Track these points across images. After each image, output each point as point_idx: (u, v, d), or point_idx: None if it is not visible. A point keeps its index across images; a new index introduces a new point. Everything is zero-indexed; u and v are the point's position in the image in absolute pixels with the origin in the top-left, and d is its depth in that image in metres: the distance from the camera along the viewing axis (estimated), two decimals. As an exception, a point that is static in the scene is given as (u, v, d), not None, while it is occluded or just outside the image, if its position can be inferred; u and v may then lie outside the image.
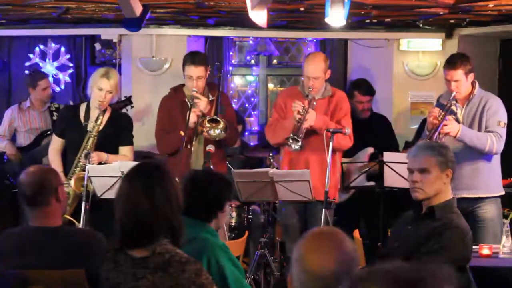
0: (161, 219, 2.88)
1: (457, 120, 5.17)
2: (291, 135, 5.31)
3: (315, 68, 5.50)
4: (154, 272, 2.84)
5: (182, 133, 5.46)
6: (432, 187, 3.68)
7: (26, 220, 3.48)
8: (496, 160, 5.25)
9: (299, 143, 5.29)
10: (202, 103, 5.56)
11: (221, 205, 3.47)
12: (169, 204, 2.90)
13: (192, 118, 5.48)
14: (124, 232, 2.90)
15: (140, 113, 7.16)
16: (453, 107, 5.19)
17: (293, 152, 5.44)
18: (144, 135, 6.97)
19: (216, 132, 5.46)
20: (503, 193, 5.31)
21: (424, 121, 5.82)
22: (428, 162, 3.69)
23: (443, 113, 5.10)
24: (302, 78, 5.67)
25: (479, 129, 5.16)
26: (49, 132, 6.90)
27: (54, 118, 6.98)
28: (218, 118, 5.45)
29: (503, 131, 5.15)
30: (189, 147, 5.59)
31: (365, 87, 6.80)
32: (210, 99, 5.65)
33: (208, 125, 5.46)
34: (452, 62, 5.18)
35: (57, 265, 3.32)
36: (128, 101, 6.81)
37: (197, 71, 5.61)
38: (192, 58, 5.70)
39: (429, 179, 3.68)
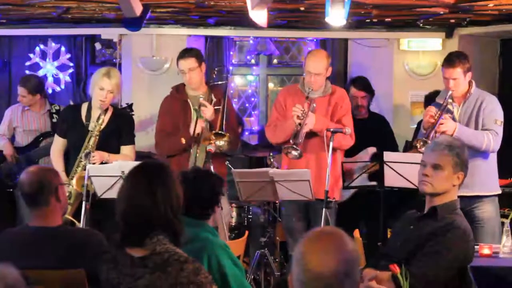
0: (162, 219, 2.89)
1: (453, 119, 5.17)
2: (290, 141, 5.31)
3: (318, 64, 5.49)
4: (153, 272, 2.84)
5: (183, 140, 5.46)
6: (441, 184, 3.68)
7: (23, 220, 3.49)
8: (493, 158, 5.25)
9: (298, 151, 5.29)
10: (209, 111, 5.53)
11: (217, 200, 3.55)
12: (170, 204, 2.92)
13: (198, 129, 5.47)
14: (125, 230, 2.90)
15: (140, 113, 7.15)
16: (450, 106, 5.19)
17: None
18: (144, 135, 6.97)
19: (221, 143, 5.45)
20: (499, 192, 5.30)
21: (421, 122, 5.81)
22: (443, 159, 3.68)
23: (439, 112, 5.10)
24: (303, 75, 5.65)
25: (476, 128, 5.16)
26: (48, 134, 6.89)
27: (54, 120, 6.96)
28: (223, 133, 5.44)
29: (499, 129, 5.15)
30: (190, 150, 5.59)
31: (361, 83, 6.78)
32: (213, 100, 5.62)
33: (213, 137, 5.45)
34: (451, 60, 5.17)
35: (57, 265, 3.32)
36: (129, 108, 6.77)
37: (187, 64, 5.62)
38: (181, 53, 5.76)
39: (440, 176, 3.67)
